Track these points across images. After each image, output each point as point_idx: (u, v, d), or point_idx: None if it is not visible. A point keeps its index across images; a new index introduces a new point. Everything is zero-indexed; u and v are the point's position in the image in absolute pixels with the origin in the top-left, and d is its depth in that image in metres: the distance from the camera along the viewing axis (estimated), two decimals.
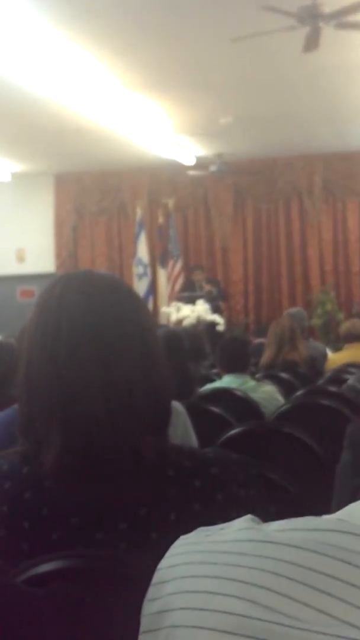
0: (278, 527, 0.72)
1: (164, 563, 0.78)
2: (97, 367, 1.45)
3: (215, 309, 12.43)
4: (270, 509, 1.53)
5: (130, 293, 1.60)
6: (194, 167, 13.96)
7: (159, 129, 11.41)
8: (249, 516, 0.78)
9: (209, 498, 1.46)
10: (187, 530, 0.83)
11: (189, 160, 13.69)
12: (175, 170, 14.23)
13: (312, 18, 6.88)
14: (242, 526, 0.75)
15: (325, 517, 0.74)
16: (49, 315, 1.50)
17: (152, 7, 6.98)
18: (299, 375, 6.17)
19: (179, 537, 0.80)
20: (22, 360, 1.52)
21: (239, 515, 0.78)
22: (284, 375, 6.07)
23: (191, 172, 14.15)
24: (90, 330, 1.47)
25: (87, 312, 1.49)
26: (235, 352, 5.35)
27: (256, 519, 0.77)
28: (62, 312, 1.49)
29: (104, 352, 1.47)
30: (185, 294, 13.09)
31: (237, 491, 1.49)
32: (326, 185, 14.51)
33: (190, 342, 7.34)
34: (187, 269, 14.19)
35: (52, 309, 1.50)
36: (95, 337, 1.47)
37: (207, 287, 13.19)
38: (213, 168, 13.70)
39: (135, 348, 1.50)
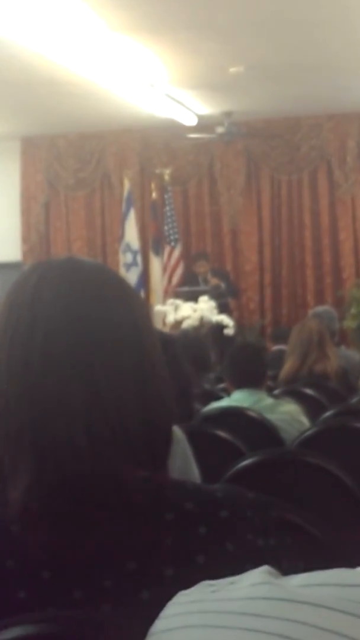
0: (301, 582, 0.73)
1: (158, 626, 0.78)
2: (77, 381, 1.44)
3: (223, 308, 12.41)
4: (299, 565, 1.52)
5: (122, 286, 1.60)
6: (196, 129, 13.96)
7: (151, 81, 11.41)
8: (265, 567, 0.78)
9: (217, 549, 1.44)
10: (188, 588, 0.83)
11: (190, 121, 13.68)
12: (172, 132, 14.23)
13: None
14: (257, 580, 0.76)
15: None
16: (20, 315, 1.49)
17: None
18: (328, 392, 6.18)
19: (177, 594, 0.80)
20: None
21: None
22: (309, 391, 6.08)
23: (192, 135, 14.15)
24: (72, 333, 1.47)
25: (67, 310, 1.48)
26: (248, 363, 5.37)
27: (274, 571, 0.77)
28: (36, 311, 1.48)
29: (88, 361, 1.46)
30: (186, 289, 13.08)
31: (254, 540, 1.48)
32: None
33: (191, 350, 7.37)
34: (188, 258, 14.19)
35: (24, 306, 1.49)
36: (78, 342, 1.46)
37: (214, 281, 13.18)
38: (220, 130, 13.70)
39: (128, 357, 1.50)
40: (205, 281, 13.26)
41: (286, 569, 1.45)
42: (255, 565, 1.36)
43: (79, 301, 1.50)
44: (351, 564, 0.77)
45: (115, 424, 1.45)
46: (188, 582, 0.87)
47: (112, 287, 1.56)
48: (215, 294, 12.64)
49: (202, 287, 12.87)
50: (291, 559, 1.50)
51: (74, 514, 1.41)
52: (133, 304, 1.56)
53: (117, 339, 1.49)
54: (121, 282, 1.62)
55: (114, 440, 1.44)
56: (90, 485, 1.42)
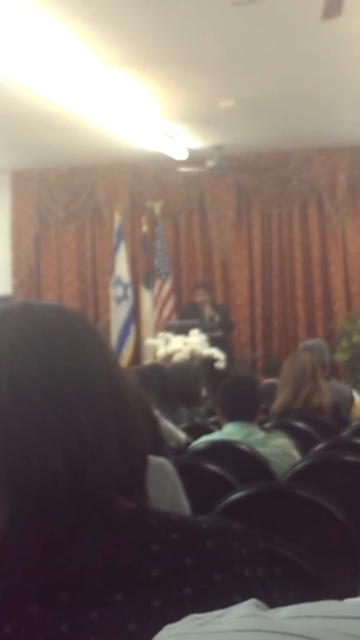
0: (289, 614, 0.72)
1: None
2: (49, 405, 1.45)
3: (216, 341, 12.40)
4: (289, 595, 1.52)
5: (83, 320, 1.61)
6: (187, 163, 14.02)
7: (142, 115, 11.46)
8: (252, 600, 0.78)
9: (204, 580, 1.44)
10: (175, 619, 0.83)
11: (181, 154, 13.74)
12: (163, 166, 14.29)
13: None
14: (244, 613, 0.75)
15: (349, 601, 0.74)
16: None
17: None
18: (319, 425, 6.17)
19: (164, 627, 0.80)
20: None
21: (243, 601, 0.78)
22: (300, 424, 6.08)
23: (183, 169, 14.21)
24: (39, 362, 1.48)
25: (31, 343, 1.50)
26: (240, 396, 5.37)
27: (261, 604, 0.77)
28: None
29: (58, 385, 1.47)
30: (176, 322, 13.09)
31: (240, 571, 1.47)
32: (353, 185, 14.60)
33: (181, 383, 7.38)
34: (180, 289, 14.21)
35: None
36: (46, 370, 1.47)
37: (209, 312, 13.20)
38: (210, 163, 13.76)
39: (99, 382, 1.51)
40: (202, 312, 13.27)
41: (277, 599, 1.45)
42: (244, 595, 1.35)
43: (43, 334, 1.51)
44: (340, 596, 0.77)
45: (93, 446, 1.45)
46: (175, 614, 0.86)
47: (74, 320, 1.58)
48: (207, 327, 12.64)
49: (192, 321, 12.85)
50: (281, 590, 1.50)
51: (57, 544, 1.40)
52: (97, 337, 1.59)
53: (86, 366, 1.51)
54: (81, 318, 1.63)
55: (93, 462, 1.44)
56: (72, 511, 1.41)
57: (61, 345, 1.51)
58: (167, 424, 5.67)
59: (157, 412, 4.83)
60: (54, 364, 1.48)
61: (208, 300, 13.62)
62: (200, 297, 13.64)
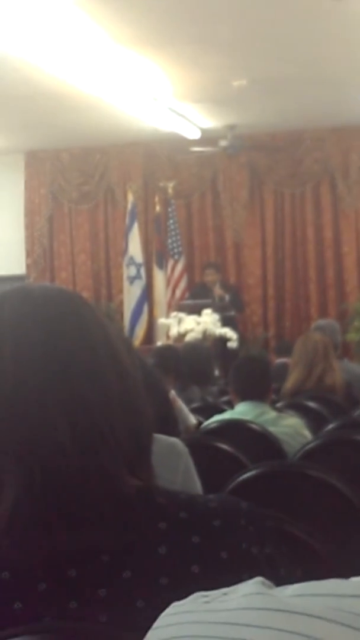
0: (295, 592, 0.72)
1: (150, 637, 0.78)
2: (54, 384, 1.46)
3: (228, 321, 12.38)
4: (296, 572, 1.52)
5: (83, 300, 1.62)
6: (200, 142, 13.99)
7: (155, 95, 11.43)
8: (259, 578, 0.78)
9: (212, 557, 1.44)
10: (183, 597, 0.82)
11: (193, 134, 13.71)
12: (176, 146, 14.26)
13: None
14: (250, 591, 0.75)
15: (356, 579, 0.73)
16: None
17: None
18: (331, 405, 6.16)
19: (170, 605, 0.80)
20: None
21: (250, 578, 0.78)
22: (311, 404, 6.07)
23: (196, 149, 14.18)
24: (42, 343, 1.48)
25: (32, 326, 1.50)
26: (252, 375, 5.36)
27: (267, 582, 0.77)
28: (1, 335, 1.50)
29: (64, 365, 1.47)
30: (189, 302, 13.07)
31: (248, 549, 1.47)
32: None
33: (194, 362, 7.37)
34: (192, 269, 14.20)
35: None
36: (50, 350, 1.48)
37: (219, 292, 13.17)
38: (223, 143, 13.74)
39: (104, 360, 1.52)
40: (212, 292, 13.25)
41: (284, 577, 1.45)
42: (251, 573, 1.35)
43: (45, 316, 1.52)
44: (347, 575, 0.77)
45: (101, 424, 1.45)
46: (183, 591, 0.86)
47: (76, 301, 1.59)
48: (219, 307, 12.63)
49: (205, 301, 12.83)
50: (288, 567, 1.50)
51: (66, 523, 1.41)
52: (99, 317, 1.59)
53: (90, 346, 1.51)
54: (82, 298, 1.64)
55: (101, 439, 1.45)
56: (81, 488, 1.41)
57: (64, 327, 1.51)
58: (181, 405, 5.68)
59: (172, 393, 4.84)
60: (58, 345, 1.49)
61: (218, 280, 13.61)
62: (210, 276, 13.63)
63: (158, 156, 14.89)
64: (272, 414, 5.21)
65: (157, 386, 3.94)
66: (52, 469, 1.41)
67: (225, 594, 0.76)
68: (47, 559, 1.41)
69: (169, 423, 3.80)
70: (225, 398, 6.84)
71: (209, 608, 0.75)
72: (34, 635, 1.32)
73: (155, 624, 0.78)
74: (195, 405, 6.41)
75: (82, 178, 15.30)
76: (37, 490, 1.41)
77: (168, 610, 0.79)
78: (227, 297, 13.20)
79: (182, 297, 13.66)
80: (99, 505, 1.42)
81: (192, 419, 5.83)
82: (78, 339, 1.51)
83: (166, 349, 7.72)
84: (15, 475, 1.42)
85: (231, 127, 13.55)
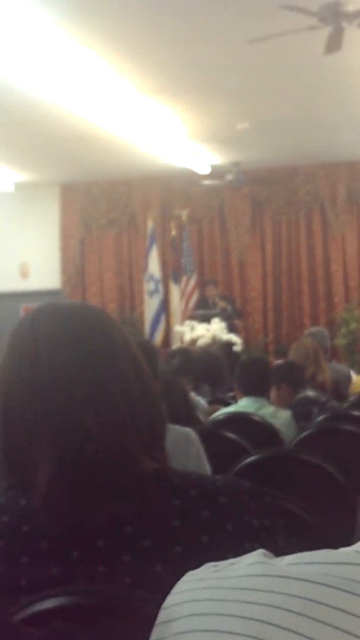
0: (291, 561, 0.72)
1: (170, 601, 0.77)
2: (83, 379, 1.48)
3: (232, 328, 12.40)
4: (291, 541, 1.52)
5: (105, 314, 1.64)
6: (209, 176, 13.99)
7: (171, 136, 11.44)
8: (260, 550, 0.78)
9: (219, 529, 1.45)
10: (195, 563, 0.82)
11: (204, 169, 13.72)
12: (188, 179, 14.27)
13: (334, 17, 6.89)
14: (253, 561, 0.75)
15: (343, 549, 0.73)
16: (23, 347, 1.54)
17: (165, 7, 6.99)
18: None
19: (185, 570, 0.80)
20: None
21: (252, 547, 0.78)
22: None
23: (206, 182, 14.18)
24: (72, 345, 1.51)
25: (64, 333, 1.53)
26: (255, 374, 5.35)
27: (268, 553, 0.77)
28: (37, 338, 1.53)
29: (92, 364, 1.50)
30: (200, 312, 13.08)
31: (249, 521, 1.48)
32: (350, 195, 14.52)
33: (208, 365, 7.36)
34: (203, 284, 14.21)
35: (25, 339, 1.54)
36: (79, 351, 1.51)
37: (222, 304, 13.19)
38: (229, 177, 13.74)
39: (125, 361, 1.54)
40: (214, 304, 13.28)
41: (282, 546, 1.46)
42: (252, 542, 1.36)
43: (73, 325, 1.55)
44: (338, 546, 0.77)
45: (123, 413, 1.48)
46: (195, 558, 0.87)
47: (98, 313, 1.62)
48: (224, 316, 12.67)
49: (213, 311, 12.86)
50: (285, 538, 1.51)
51: (93, 498, 1.42)
52: (118, 326, 1.62)
53: (112, 349, 1.54)
54: (104, 311, 1.67)
55: (123, 427, 1.47)
56: (106, 469, 1.43)
57: (90, 335, 1.54)
58: (198, 399, 5.72)
59: (189, 389, 4.85)
60: (85, 350, 1.51)
61: (217, 294, 13.65)
62: (211, 291, 13.67)
63: (173, 188, 14.89)
64: (270, 407, 5.21)
65: (176, 384, 3.96)
66: (81, 451, 1.43)
67: (232, 563, 0.76)
68: (78, 530, 1.42)
69: (188, 414, 3.82)
70: (231, 394, 6.83)
71: (218, 576, 0.75)
72: (69, 596, 1.32)
73: (174, 590, 0.78)
74: (206, 399, 6.41)
75: (109, 207, 15.31)
76: (69, 470, 1.42)
77: (184, 578, 0.79)
78: (229, 308, 13.22)
79: (194, 308, 13.64)
80: (122, 483, 1.44)
81: (204, 404, 5.87)
82: (102, 345, 1.53)
83: (184, 352, 7.70)
84: (50, 457, 1.43)
85: (236, 164, 13.55)
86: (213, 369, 7.39)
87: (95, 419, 1.45)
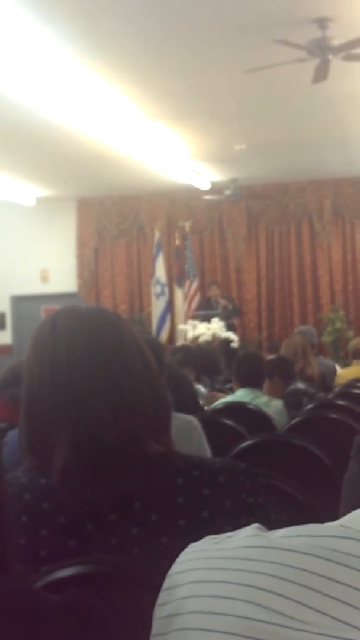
0: (283, 534, 0.72)
1: (174, 569, 0.78)
2: (99, 374, 1.48)
3: (230, 327, 12.40)
4: (282, 516, 1.53)
5: (118, 316, 1.65)
6: (209, 192, 13.99)
7: (176, 156, 11.44)
8: (255, 525, 0.78)
9: (218, 505, 1.46)
10: (197, 535, 0.83)
11: (205, 185, 13.71)
12: (191, 194, 14.26)
13: (321, 50, 6.89)
14: (249, 534, 0.75)
15: (329, 524, 0.73)
16: (44, 344, 1.55)
17: (171, 41, 7.01)
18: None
19: (188, 542, 0.80)
20: (22, 390, 1.56)
21: (247, 522, 0.78)
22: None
23: (207, 196, 14.18)
24: (89, 344, 1.51)
25: (81, 332, 1.53)
26: (251, 368, 5.35)
27: (262, 527, 0.77)
28: (57, 337, 1.54)
29: (107, 361, 1.50)
30: (201, 312, 13.08)
31: (245, 498, 1.49)
32: (335, 209, 14.51)
33: (206, 359, 7.37)
34: (204, 287, 14.21)
35: (46, 337, 1.56)
36: (95, 350, 1.51)
37: (223, 302, 13.23)
38: (228, 192, 13.74)
39: (136, 358, 1.54)
40: (217, 303, 13.29)
41: (274, 520, 1.46)
42: (248, 517, 1.36)
43: (90, 325, 1.55)
44: (325, 521, 0.77)
45: (132, 402, 1.48)
46: (196, 531, 0.87)
47: (112, 315, 1.62)
48: (224, 314, 12.69)
49: (213, 311, 12.86)
50: (277, 513, 1.51)
51: (105, 477, 1.43)
52: (130, 327, 1.62)
53: (124, 347, 1.54)
54: (117, 313, 1.68)
55: (132, 414, 1.47)
56: (117, 451, 1.43)
57: (103, 333, 1.54)
58: (198, 387, 5.71)
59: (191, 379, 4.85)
60: (100, 346, 1.51)
61: (220, 294, 13.65)
62: (214, 291, 13.66)
63: (178, 202, 14.88)
64: (264, 397, 5.20)
65: (184, 377, 3.97)
66: (94, 436, 1.44)
67: (229, 536, 0.77)
68: (92, 506, 1.43)
69: (192, 402, 3.82)
70: (229, 385, 6.83)
71: (217, 547, 0.75)
72: (85, 565, 1.32)
73: (178, 559, 0.79)
74: (206, 390, 6.41)
75: (120, 219, 15.31)
76: (83, 452, 1.43)
77: (187, 549, 0.79)
78: (230, 306, 13.24)
79: (196, 309, 13.64)
80: (130, 464, 1.44)
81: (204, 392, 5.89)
82: (113, 343, 1.53)
83: (186, 349, 7.72)
84: (66, 440, 1.44)
85: (233, 180, 13.54)
86: (209, 361, 7.42)
87: (107, 408, 1.45)
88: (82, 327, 1.54)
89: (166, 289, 13.97)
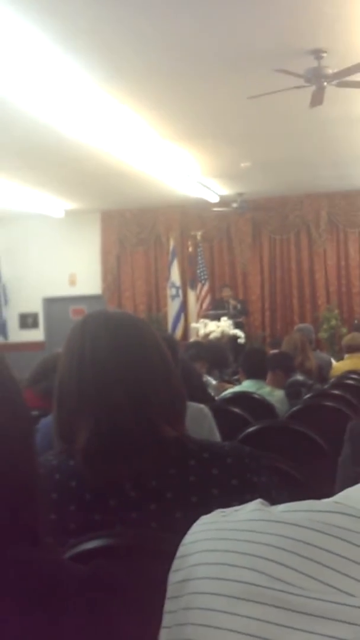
0: (284, 509, 0.72)
1: (187, 539, 0.78)
2: (119, 369, 1.49)
3: (237, 325, 12.40)
4: (283, 493, 1.53)
5: (139, 320, 1.66)
6: (219, 204, 13.98)
7: (188, 172, 11.44)
8: (259, 500, 0.78)
9: (226, 484, 1.46)
10: (207, 511, 0.83)
11: (214, 199, 13.71)
12: (202, 207, 14.26)
13: (317, 78, 6.88)
14: (253, 508, 0.75)
15: (324, 500, 0.73)
16: (74, 344, 1.56)
17: (183, 70, 7.03)
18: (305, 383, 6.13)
19: (199, 516, 0.80)
20: (55, 384, 1.57)
21: (252, 498, 0.78)
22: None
23: (216, 209, 14.17)
24: (111, 345, 1.52)
25: (104, 332, 1.54)
26: (256, 361, 5.35)
27: (266, 502, 0.77)
28: (84, 338, 1.55)
29: (127, 359, 1.51)
30: (212, 312, 13.10)
31: (250, 478, 1.49)
32: (330, 219, 14.49)
33: (216, 353, 7.37)
34: (214, 290, 14.21)
35: (76, 338, 1.57)
36: (117, 349, 1.52)
37: (234, 302, 13.30)
38: (235, 205, 13.73)
39: (155, 356, 1.54)
40: (228, 302, 13.33)
41: (275, 497, 1.46)
42: (252, 494, 1.36)
43: (114, 327, 1.56)
44: (321, 498, 0.77)
45: (149, 392, 1.49)
46: (207, 507, 0.87)
47: (135, 319, 1.63)
48: (234, 313, 12.72)
49: (222, 311, 12.87)
50: (278, 491, 1.52)
51: (124, 457, 1.43)
52: (151, 328, 1.62)
53: (143, 345, 1.55)
54: (140, 318, 1.69)
55: (148, 402, 1.48)
56: (134, 435, 1.44)
57: (125, 333, 1.55)
58: (209, 379, 5.71)
59: (203, 372, 4.85)
60: (121, 345, 1.52)
61: (231, 295, 13.66)
62: (226, 292, 13.69)
63: (190, 214, 14.88)
64: (267, 388, 5.20)
65: (194, 370, 3.97)
66: (114, 421, 1.45)
67: (236, 510, 0.77)
68: (114, 483, 1.43)
69: (201, 392, 3.82)
70: (236, 377, 6.83)
71: (226, 519, 0.75)
72: (110, 538, 1.32)
73: (190, 531, 0.79)
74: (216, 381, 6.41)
75: (139, 229, 15.32)
76: (104, 434, 1.44)
77: (198, 522, 0.79)
78: (239, 306, 13.27)
79: (207, 309, 13.64)
80: (147, 446, 1.45)
81: (213, 382, 5.87)
82: (134, 341, 1.54)
83: (198, 344, 7.71)
84: (88, 425, 1.45)
85: (240, 194, 13.54)
86: (219, 356, 7.41)
87: (125, 397, 1.46)
88: (106, 327, 1.55)
89: (180, 291, 13.98)
